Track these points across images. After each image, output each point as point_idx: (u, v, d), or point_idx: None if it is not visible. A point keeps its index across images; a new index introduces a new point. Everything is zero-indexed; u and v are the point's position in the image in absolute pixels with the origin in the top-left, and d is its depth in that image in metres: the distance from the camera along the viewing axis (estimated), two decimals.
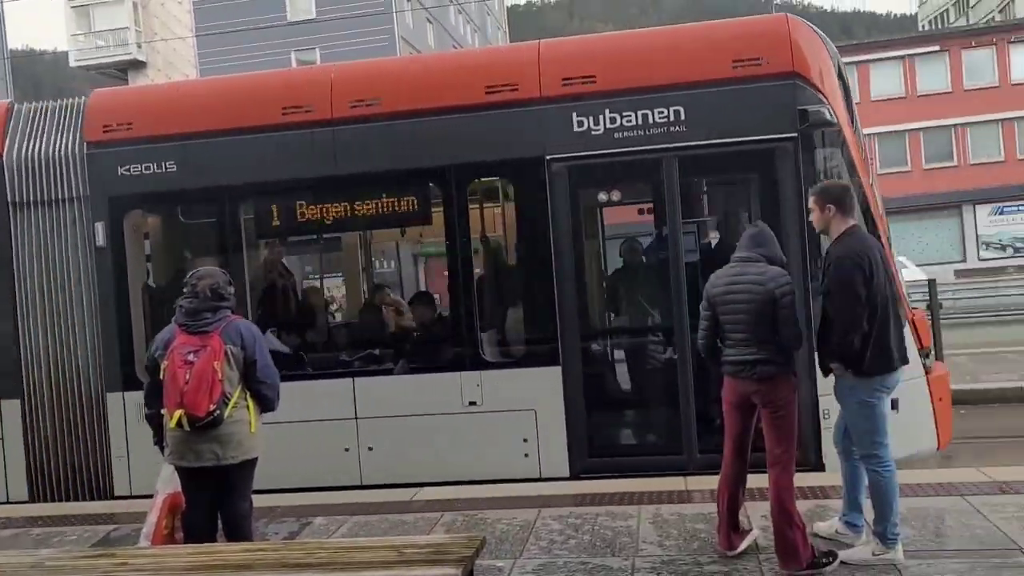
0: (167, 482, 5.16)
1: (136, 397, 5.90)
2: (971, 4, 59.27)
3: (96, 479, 7.11)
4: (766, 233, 4.89)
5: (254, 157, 6.89)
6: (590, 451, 6.59)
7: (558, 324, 6.55)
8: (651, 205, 7.21)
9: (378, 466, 6.77)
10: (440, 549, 3.89)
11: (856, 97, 7.72)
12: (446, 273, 6.98)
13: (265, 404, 4.94)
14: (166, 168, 6.97)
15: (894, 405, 6.28)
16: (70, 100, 7.48)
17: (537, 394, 6.58)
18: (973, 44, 36.09)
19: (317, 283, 9.61)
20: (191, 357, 4.68)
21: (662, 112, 6.43)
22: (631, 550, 5.07)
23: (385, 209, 6.90)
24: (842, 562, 4.63)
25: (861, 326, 4.54)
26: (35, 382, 7.12)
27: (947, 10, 62.81)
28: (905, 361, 4.77)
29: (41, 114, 7.38)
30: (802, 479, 5.79)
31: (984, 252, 35.92)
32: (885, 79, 35.32)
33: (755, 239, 4.84)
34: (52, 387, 7.09)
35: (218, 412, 4.65)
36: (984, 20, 51.84)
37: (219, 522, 4.94)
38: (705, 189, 7.64)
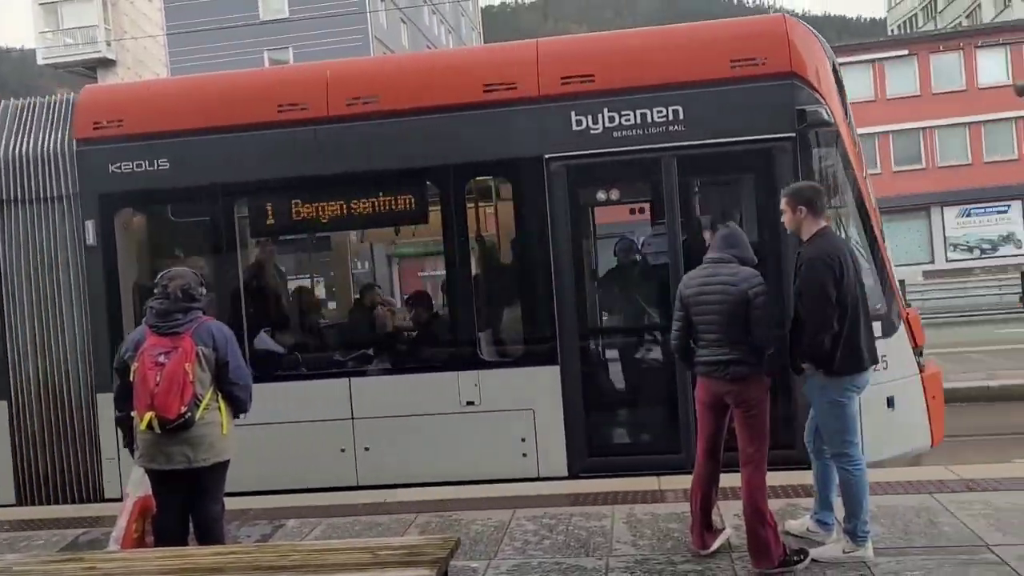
0: (137, 485, 5.10)
1: None
2: (939, 9, 60.18)
3: (86, 482, 7.01)
4: (738, 234, 4.93)
5: (249, 155, 6.82)
6: (589, 451, 6.58)
7: (556, 323, 6.55)
8: (650, 205, 7.21)
9: (374, 467, 6.72)
10: (414, 550, 3.88)
11: None
12: (443, 272, 6.96)
13: (237, 406, 4.90)
14: (158, 166, 6.89)
15: (890, 403, 6.41)
16: (60, 97, 7.39)
17: (535, 394, 6.57)
18: (941, 48, 36.63)
19: (312, 282, 9.52)
20: (162, 359, 4.62)
21: (661, 111, 6.44)
22: (605, 550, 5.09)
23: (382, 208, 6.84)
24: (813, 560, 4.68)
25: (831, 326, 4.59)
26: (23, 383, 7.00)
27: (916, 14, 63.70)
28: (875, 361, 4.83)
29: (30, 111, 7.28)
30: (790, 477, 5.85)
31: (952, 254, 36.46)
32: (855, 82, 35.59)
33: (727, 240, 4.87)
34: (41, 388, 6.99)
35: (189, 414, 4.60)
36: (951, 25, 52.67)
37: (190, 525, 4.89)
38: (704, 189, 7.66)
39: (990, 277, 25.33)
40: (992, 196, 35.81)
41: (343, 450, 6.75)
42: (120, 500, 6.68)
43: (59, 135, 7.08)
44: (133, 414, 4.75)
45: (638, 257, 7.49)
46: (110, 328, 6.94)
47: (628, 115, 6.46)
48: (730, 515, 5.28)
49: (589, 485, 6.32)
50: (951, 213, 36.63)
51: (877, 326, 6.39)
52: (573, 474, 6.53)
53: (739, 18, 7.34)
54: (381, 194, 6.81)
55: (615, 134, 6.48)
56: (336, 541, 5.21)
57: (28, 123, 7.20)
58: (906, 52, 36.69)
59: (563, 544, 5.23)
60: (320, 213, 6.88)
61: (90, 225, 6.96)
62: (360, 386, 6.79)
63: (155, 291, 4.87)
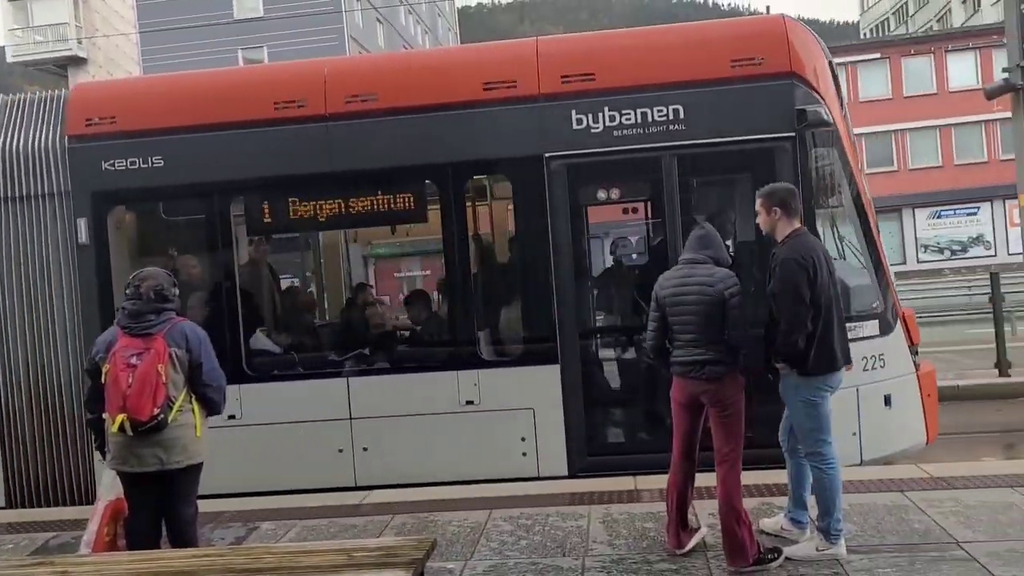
0: (109, 488, 5.03)
1: None
2: (911, 13, 60.92)
3: (78, 485, 6.92)
4: (712, 235, 4.95)
5: (245, 153, 6.76)
6: (589, 450, 6.57)
7: (556, 323, 6.53)
8: (650, 203, 7.21)
9: (373, 467, 6.68)
10: (390, 552, 3.86)
11: None
12: (443, 271, 6.93)
13: (211, 407, 4.85)
14: (152, 163, 6.80)
15: (888, 402, 6.47)
16: (51, 93, 7.28)
17: (535, 393, 6.55)
18: (912, 52, 37.12)
19: (309, 281, 9.44)
20: (134, 360, 4.57)
21: (661, 111, 6.44)
22: (581, 550, 5.09)
23: (381, 207, 6.79)
24: (787, 558, 4.72)
25: (805, 326, 4.63)
26: (13, 384, 6.89)
27: (888, 18, 64.46)
28: (848, 361, 4.87)
29: (20, 107, 7.17)
30: (764, 476, 5.89)
31: (923, 255, 36.94)
32: None
33: (702, 241, 4.90)
34: (32, 389, 6.87)
35: (162, 416, 4.55)
36: (923, 29, 53.33)
37: (163, 528, 4.84)
38: (704, 188, 7.70)
39: (960, 278, 25.65)
40: (962, 198, 36.34)
41: (341, 450, 6.70)
42: None
43: (50, 132, 6.98)
44: (104, 416, 4.69)
45: (635, 256, 7.50)
46: (103, 328, 6.74)
47: (629, 114, 6.46)
48: (705, 514, 5.31)
49: (581, 484, 6.30)
50: (922, 215, 37.13)
51: (875, 325, 6.53)
52: (573, 473, 6.52)
53: (738, 18, 7.40)
54: (380, 193, 6.76)
55: (615, 133, 6.48)
56: (311, 543, 5.18)
57: (18, 119, 7.10)
58: (878, 55, 37.14)
59: (539, 544, 5.23)
60: (317, 212, 6.82)
61: (82, 223, 6.86)
62: (358, 386, 6.74)
63: (127, 292, 4.81)
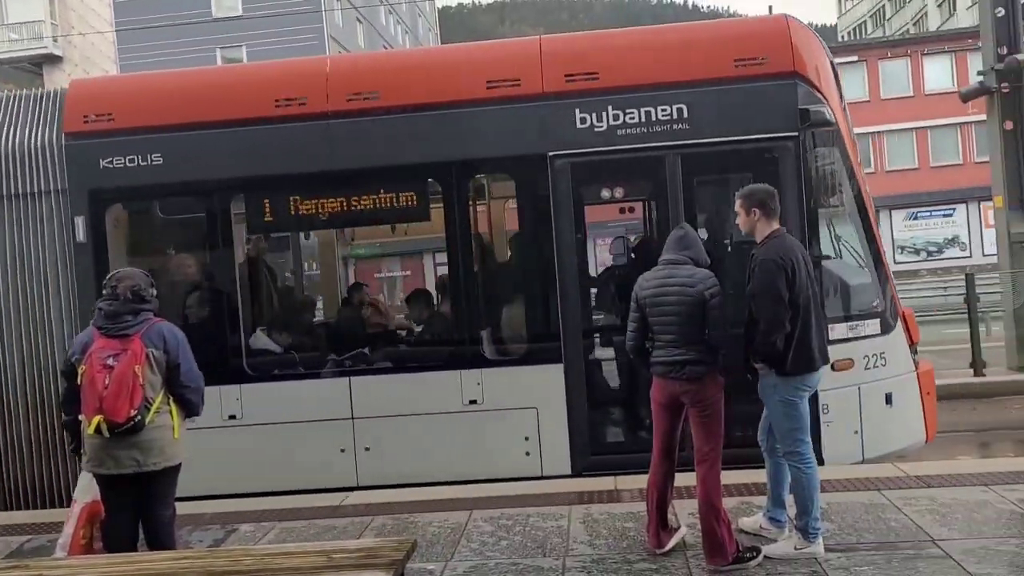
0: (85, 491, 4.99)
1: None
2: (887, 16, 61.54)
3: (73, 487, 6.81)
4: (692, 235, 4.97)
5: (245, 151, 6.70)
6: (592, 449, 6.56)
7: (560, 322, 6.52)
8: (654, 203, 7.21)
9: (375, 467, 6.64)
10: (370, 553, 3.85)
11: None
12: (447, 270, 6.90)
13: (189, 409, 4.82)
14: (151, 161, 6.72)
15: (888, 400, 6.52)
16: (48, 90, 7.20)
17: (539, 392, 6.54)
18: (889, 55, 37.46)
19: (311, 280, 9.35)
20: (111, 361, 4.53)
21: (665, 110, 6.45)
22: (562, 550, 5.10)
23: (383, 205, 6.74)
24: (766, 557, 4.74)
25: (784, 327, 4.66)
26: (7, 384, 6.78)
27: (865, 21, 65.07)
28: (826, 361, 4.91)
29: (15, 104, 7.07)
30: (743, 476, 5.91)
31: (899, 256, 37.26)
32: None
33: (682, 242, 4.92)
34: (26, 389, 6.77)
35: (139, 418, 4.51)
36: (899, 32, 53.87)
37: (141, 531, 4.79)
38: (707, 187, 7.72)
39: (936, 279, 25.94)
40: (938, 200, 36.70)
41: (343, 450, 6.65)
42: None
43: (47, 129, 6.89)
44: (81, 418, 4.64)
45: (645, 255, 7.49)
46: None
47: (632, 113, 6.46)
48: (685, 514, 5.34)
49: (564, 484, 6.31)
50: (899, 216, 37.47)
51: (876, 323, 6.57)
52: (576, 472, 6.51)
53: (741, 17, 7.42)
54: (382, 191, 6.71)
55: (619, 132, 6.48)
56: (290, 545, 5.15)
57: (14, 116, 7.00)
58: (856, 58, 37.43)
59: (520, 545, 5.23)
60: (319, 210, 6.77)
61: (80, 221, 6.77)
62: (360, 385, 6.69)
63: (103, 292, 4.76)
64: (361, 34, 45.10)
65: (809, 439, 4.84)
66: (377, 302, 8.06)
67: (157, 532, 4.74)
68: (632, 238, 8.34)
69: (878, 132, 36.99)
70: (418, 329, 7.45)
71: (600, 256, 8.11)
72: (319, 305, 8.86)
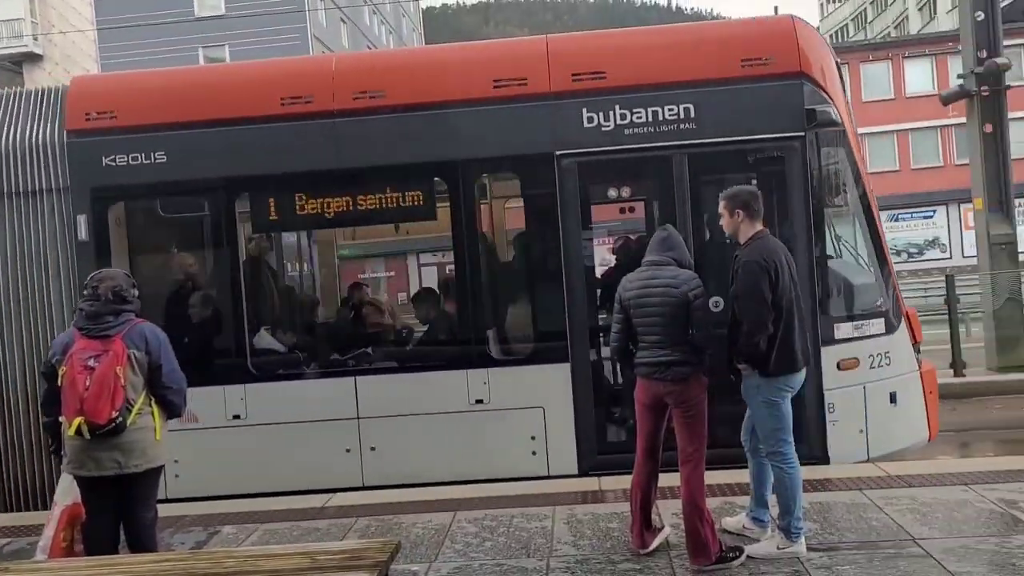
0: (66, 493, 4.94)
1: None
2: (869, 20, 62.01)
3: None
4: (675, 237, 4.99)
5: (250, 149, 6.65)
6: (599, 448, 6.55)
7: (567, 321, 6.51)
8: (660, 202, 7.20)
9: (381, 467, 6.61)
10: (354, 554, 3.83)
11: None
12: (453, 269, 6.89)
13: (171, 410, 4.78)
14: (155, 159, 6.67)
15: (893, 399, 6.56)
16: (49, 87, 7.12)
17: (546, 391, 6.53)
18: (871, 58, 37.75)
19: (315, 280, 9.30)
20: (91, 362, 4.49)
21: (672, 109, 6.45)
22: (546, 551, 5.11)
23: (389, 204, 6.71)
24: (749, 556, 4.77)
25: (767, 328, 4.69)
26: (8, 384, 6.71)
27: (847, 24, 65.54)
28: (808, 362, 4.94)
29: (16, 101, 7.00)
30: (727, 476, 5.93)
31: None
32: None
33: (665, 243, 4.94)
34: (28, 390, 6.69)
35: (120, 419, 4.48)
36: (881, 36, 54.28)
37: (122, 533, 4.76)
38: (714, 187, 7.71)
39: (916, 280, 26.15)
40: (919, 202, 37.02)
41: (348, 450, 6.62)
42: None
43: (49, 126, 6.82)
44: (61, 419, 4.60)
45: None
46: None
47: (639, 112, 6.47)
48: (668, 514, 5.35)
49: (549, 485, 6.31)
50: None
51: (880, 323, 6.62)
52: (583, 472, 6.50)
53: (748, 18, 7.42)
54: (388, 190, 6.68)
55: (626, 131, 6.48)
56: (273, 547, 5.12)
57: (15, 113, 6.93)
58: (838, 61, 37.70)
59: (504, 546, 5.23)
60: (324, 209, 6.74)
61: (82, 220, 6.71)
62: (366, 385, 6.66)
63: (84, 292, 4.72)
64: (345, 34, 44.98)
65: (792, 439, 4.87)
66: (378, 302, 8.03)
67: (139, 534, 4.71)
68: (634, 237, 8.34)
69: (859, 134, 37.21)
70: (424, 328, 7.43)
71: (607, 255, 8.08)
72: (324, 304, 8.83)
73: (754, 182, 6.84)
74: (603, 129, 6.50)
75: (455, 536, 5.45)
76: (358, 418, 6.62)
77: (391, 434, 6.61)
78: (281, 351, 7.08)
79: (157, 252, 7.42)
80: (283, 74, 7.19)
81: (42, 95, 7.04)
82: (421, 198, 6.70)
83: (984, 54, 11.89)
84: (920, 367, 6.88)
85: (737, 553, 4.75)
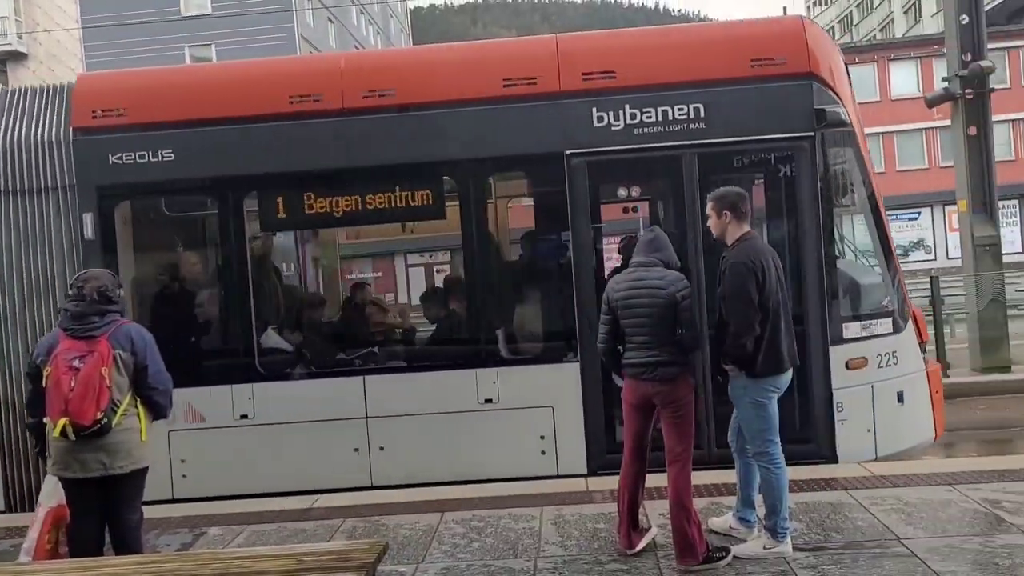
0: (50, 495, 4.90)
1: None
2: (855, 22, 62.37)
3: None
4: (662, 238, 5.01)
5: (258, 147, 6.62)
6: (608, 448, 6.52)
7: (576, 320, 6.50)
8: (670, 201, 7.21)
9: (389, 467, 6.59)
10: (341, 556, 3.82)
11: None
12: (462, 268, 6.88)
13: (157, 411, 4.76)
14: (162, 157, 6.62)
15: (900, 398, 6.60)
16: (55, 84, 7.07)
17: (555, 391, 6.52)
18: (856, 61, 37.93)
19: (326, 279, 9.26)
20: (76, 363, 4.46)
21: (682, 109, 6.46)
22: (533, 551, 5.11)
23: (398, 203, 6.68)
24: (735, 556, 4.78)
25: (753, 329, 4.71)
26: (14, 384, 6.63)
27: (833, 27, 65.89)
28: (795, 363, 4.96)
29: (22, 98, 6.94)
30: (713, 476, 5.95)
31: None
32: None
33: (652, 244, 4.96)
34: None
35: (105, 420, 4.45)
36: (866, 38, 54.62)
37: (107, 535, 4.73)
38: (724, 186, 7.68)
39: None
40: (904, 204, 37.23)
41: (357, 450, 6.60)
42: None
43: (54, 123, 6.76)
44: (46, 420, 4.57)
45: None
46: None
47: (649, 112, 6.48)
48: (655, 514, 5.37)
49: (536, 486, 6.30)
50: None
51: (888, 322, 6.64)
52: (592, 471, 6.50)
53: (758, 18, 7.44)
54: (397, 189, 6.66)
55: (636, 131, 6.49)
56: (260, 548, 5.10)
57: (21, 110, 6.86)
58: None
59: (491, 546, 5.23)
60: (333, 208, 6.72)
61: (88, 218, 6.64)
62: (375, 384, 6.64)
63: (69, 292, 4.69)
64: (332, 34, 44.88)
65: (778, 440, 4.89)
66: (381, 301, 8.01)
67: (124, 536, 4.68)
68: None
69: None
70: (433, 328, 7.41)
71: (617, 254, 8.06)
72: (332, 304, 8.79)
73: (763, 182, 6.96)
74: (613, 128, 6.50)
75: (442, 537, 5.44)
76: (367, 417, 6.61)
77: (400, 434, 6.59)
78: (289, 350, 7.06)
79: (164, 251, 7.38)
80: (293, 72, 7.17)
81: (48, 92, 6.98)
82: (430, 197, 6.69)
83: (968, 57, 11.98)
84: (927, 366, 6.93)
85: (724, 553, 4.77)
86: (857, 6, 63.38)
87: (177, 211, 7.29)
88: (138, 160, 6.64)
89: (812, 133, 6.43)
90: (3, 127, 6.83)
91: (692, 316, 4.81)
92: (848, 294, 6.74)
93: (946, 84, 12.50)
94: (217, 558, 4.05)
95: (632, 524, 4.99)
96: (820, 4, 69.35)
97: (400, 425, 6.58)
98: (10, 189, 6.72)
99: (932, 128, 35.67)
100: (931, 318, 11.89)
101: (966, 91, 12.06)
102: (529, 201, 7.18)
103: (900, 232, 37.86)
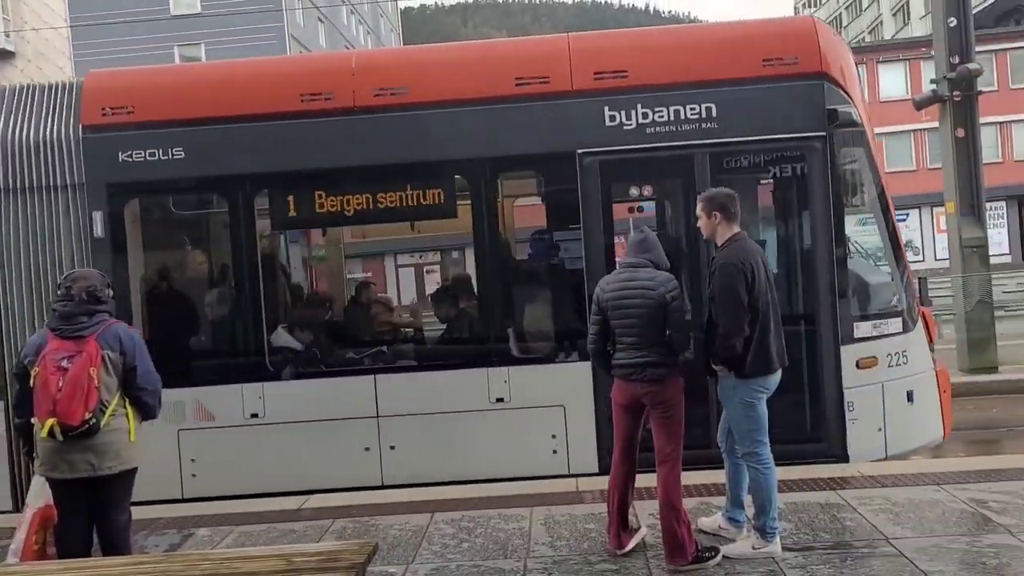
0: (38, 496, 4.88)
1: None
2: (844, 24, 62.62)
3: None
4: (652, 239, 5.02)
5: (269, 145, 6.60)
6: None
7: (588, 319, 6.51)
8: (681, 200, 7.20)
9: (401, 466, 6.58)
10: (331, 556, 3.82)
11: None
12: (474, 267, 6.88)
13: (146, 412, 4.74)
14: (173, 155, 6.60)
15: (910, 398, 6.62)
16: (65, 82, 7.04)
17: (566, 390, 6.53)
18: None
19: (337, 277, 9.22)
20: (65, 363, 4.44)
21: (693, 108, 6.47)
22: (523, 552, 5.11)
23: (409, 202, 6.68)
24: (724, 556, 4.80)
25: (743, 330, 4.72)
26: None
27: None
28: (784, 364, 4.97)
29: (32, 95, 6.90)
30: (703, 476, 5.96)
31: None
32: None
33: (642, 245, 4.97)
34: None
35: (94, 421, 4.43)
36: (855, 40, 54.86)
37: (95, 536, 4.71)
38: (736, 186, 7.71)
39: None
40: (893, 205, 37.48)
41: (368, 449, 6.58)
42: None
43: (64, 121, 6.73)
44: (34, 421, 4.54)
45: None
46: None
47: (661, 111, 6.49)
48: (645, 514, 5.38)
49: (529, 486, 6.29)
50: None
51: (898, 322, 6.67)
52: (604, 470, 6.47)
53: (769, 18, 7.47)
54: (409, 187, 6.66)
55: (648, 130, 6.50)
56: (249, 549, 5.09)
57: (30, 108, 6.83)
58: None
59: (481, 547, 5.23)
60: (344, 206, 6.70)
61: (98, 216, 6.62)
62: (386, 383, 6.63)
63: (58, 292, 4.67)
64: (323, 34, 44.79)
65: (767, 440, 4.90)
66: (388, 300, 8.00)
67: (112, 537, 4.66)
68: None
69: None
70: (444, 327, 7.40)
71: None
72: (342, 302, 8.76)
73: (775, 182, 6.97)
74: (625, 128, 6.52)
75: (432, 537, 5.44)
76: (377, 416, 6.60)
77: (411, 433, 6.58)
78: (299, 349, 7.05)
79: (173, 249, 7.35)
80: (304, 70, 7.16)
81: (57, 89, 6.95)
82: (441, 196, 6.69)
83: (956, 59, 12.06)
84: (935, 366, 6.95)
85: (713, 553, 4.78)
86: (846, 8, 63.66)
87: (187, 209, 7.28)
88: (148, 158, 6.63)
89: (823, 133, 6.45)
90: (12, 124, 6.79)
91: (682, 317, 4.82)
92: (858, 294, 6.76)
93: (934, 86, 12.57)
94: (206, 559, 4.04)
95: (622, 524, 5.00)
96: (809, 6, 69.61)
97: (411, 424, 6.58)
98: (20, 187, 6.69)
99: (920, 130, 35.84)
100: None
101: (954, 93, 12.13)
102: (541, 200, 7.16)
103: None
